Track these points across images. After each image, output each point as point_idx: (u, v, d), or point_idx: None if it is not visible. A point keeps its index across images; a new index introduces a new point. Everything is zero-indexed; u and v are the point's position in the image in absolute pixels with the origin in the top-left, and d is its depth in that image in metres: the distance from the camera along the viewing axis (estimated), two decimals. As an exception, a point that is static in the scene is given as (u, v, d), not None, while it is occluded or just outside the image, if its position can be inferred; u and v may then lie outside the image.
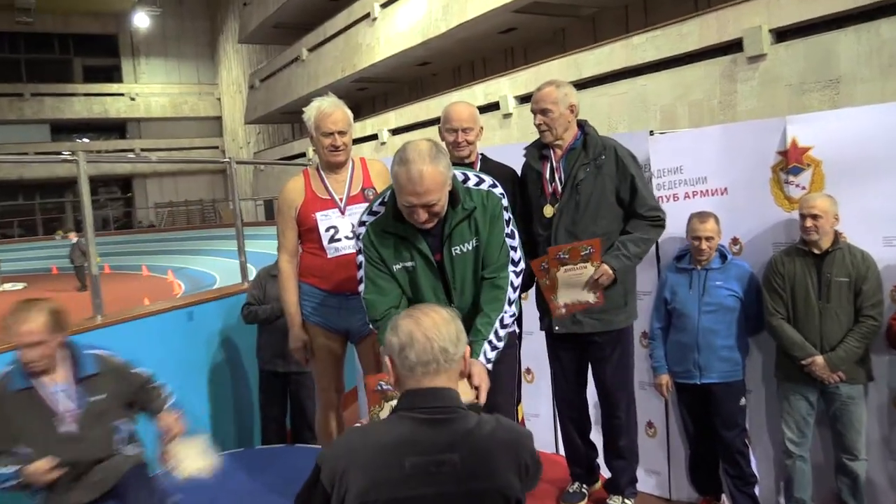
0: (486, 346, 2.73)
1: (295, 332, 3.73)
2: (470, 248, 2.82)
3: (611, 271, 3.57)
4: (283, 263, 3.68)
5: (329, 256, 3.55)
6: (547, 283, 3.68)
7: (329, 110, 3.50)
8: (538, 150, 3.76)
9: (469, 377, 2.58)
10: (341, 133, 3.52)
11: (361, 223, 2.86)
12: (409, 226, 2.74)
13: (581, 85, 14.18)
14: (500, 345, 2.78)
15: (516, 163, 3.90)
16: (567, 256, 3.55)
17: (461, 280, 2.84)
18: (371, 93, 28.33)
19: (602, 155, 3.59)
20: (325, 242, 3.54)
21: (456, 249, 2.79)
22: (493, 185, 2.85)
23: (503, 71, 18.97)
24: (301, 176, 3.68)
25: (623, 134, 3.97)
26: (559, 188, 3.67)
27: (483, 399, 2.56)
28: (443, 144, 2.89)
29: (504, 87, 17.65)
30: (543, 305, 3.86)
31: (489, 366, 2.72)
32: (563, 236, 3.65)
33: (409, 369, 1.96)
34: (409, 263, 2.81)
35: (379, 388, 2.68)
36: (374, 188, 3.58)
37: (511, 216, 2.90)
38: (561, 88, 3.60)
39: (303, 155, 28.61)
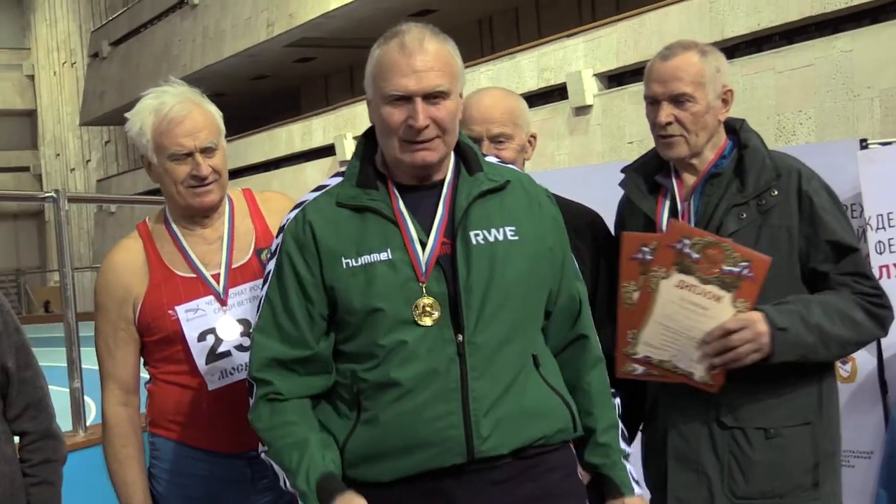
0: (627, 466, 2.20)
1: None
2: (508, 237, 2.19)
3: (766, 329, 2.52)
4: (110, 408, 2.59)
5: (211, 388, 2.56)
6: (632, 296, 2.65)
7: (178, 112, 2.47)
8: (646, 177, 2.90)
9: None
10: (206, 151, 2.49)
11: (297, 206, 2.19)
12: (383, 192, 2.15)
13: (724, 52, 10.83)
14: (629, 450, 2.29)
15: (605, 201, 2.98)
16: (698, 256, 2.61)
17: (487, 294, 2.12)
18: (323, 66, 19.96)
19: (773, 187, 2.71)
20: (199, 361, 2.55)
21: (478, 236, 2.17)
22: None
23: (573, 27, 12.93)
24: (135, 238, 2.62)
25: (805, 148, 3.66)
26: (687, 249, 2.80)
27: None
28: None
29: (576, 57, 12.39)
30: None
31: (641, 492, 2.24)
32: None
33: None
34: (379, 256, 2.12)
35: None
36: None
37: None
38: (709, 58, 2.76)
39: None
